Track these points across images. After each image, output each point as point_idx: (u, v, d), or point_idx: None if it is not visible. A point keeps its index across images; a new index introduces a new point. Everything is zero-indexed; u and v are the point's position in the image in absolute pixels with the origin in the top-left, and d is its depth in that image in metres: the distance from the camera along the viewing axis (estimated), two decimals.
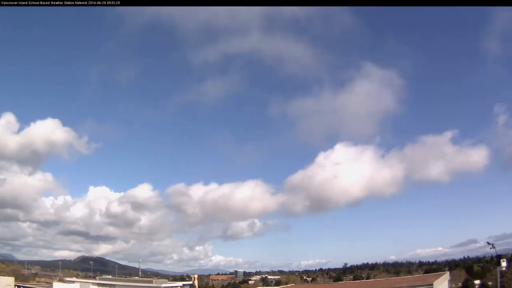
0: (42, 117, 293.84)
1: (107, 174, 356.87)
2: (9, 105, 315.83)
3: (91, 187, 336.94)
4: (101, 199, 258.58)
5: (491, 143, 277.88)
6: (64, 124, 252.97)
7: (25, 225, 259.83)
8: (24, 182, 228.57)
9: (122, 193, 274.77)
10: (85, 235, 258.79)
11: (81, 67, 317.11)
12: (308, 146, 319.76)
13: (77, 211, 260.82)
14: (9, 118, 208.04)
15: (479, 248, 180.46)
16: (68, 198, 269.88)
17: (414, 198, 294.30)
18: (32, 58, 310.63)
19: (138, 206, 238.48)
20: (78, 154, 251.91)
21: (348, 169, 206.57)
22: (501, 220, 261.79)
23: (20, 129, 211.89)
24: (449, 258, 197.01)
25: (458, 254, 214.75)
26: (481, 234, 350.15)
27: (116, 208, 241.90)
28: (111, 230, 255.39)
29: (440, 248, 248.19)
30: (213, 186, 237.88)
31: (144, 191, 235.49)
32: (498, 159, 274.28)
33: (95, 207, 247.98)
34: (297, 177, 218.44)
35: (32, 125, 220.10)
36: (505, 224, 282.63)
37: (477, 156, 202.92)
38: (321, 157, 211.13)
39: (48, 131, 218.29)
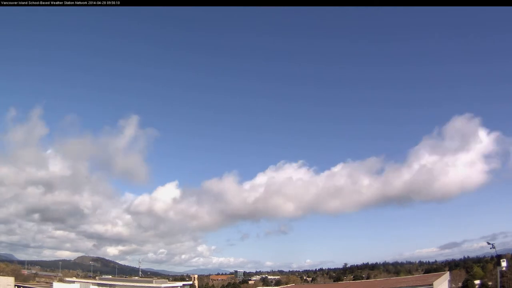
0: None
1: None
2: None
3: None
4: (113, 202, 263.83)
5: None
6: None
7: (44, 227, 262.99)
8: None
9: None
10: (94, 236, 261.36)
11: None
12: None
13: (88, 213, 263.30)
14: None
15: (479, 248, 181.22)
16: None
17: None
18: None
19: (144, 210, 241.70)
20: None
21: None
22: None
23: None
24: (449, 258, 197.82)
25: None
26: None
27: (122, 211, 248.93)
28: (117, 231, 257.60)
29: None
30: None
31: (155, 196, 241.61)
32: None
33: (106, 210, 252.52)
34: None
35: None
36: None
37: None
38: None
39: None
